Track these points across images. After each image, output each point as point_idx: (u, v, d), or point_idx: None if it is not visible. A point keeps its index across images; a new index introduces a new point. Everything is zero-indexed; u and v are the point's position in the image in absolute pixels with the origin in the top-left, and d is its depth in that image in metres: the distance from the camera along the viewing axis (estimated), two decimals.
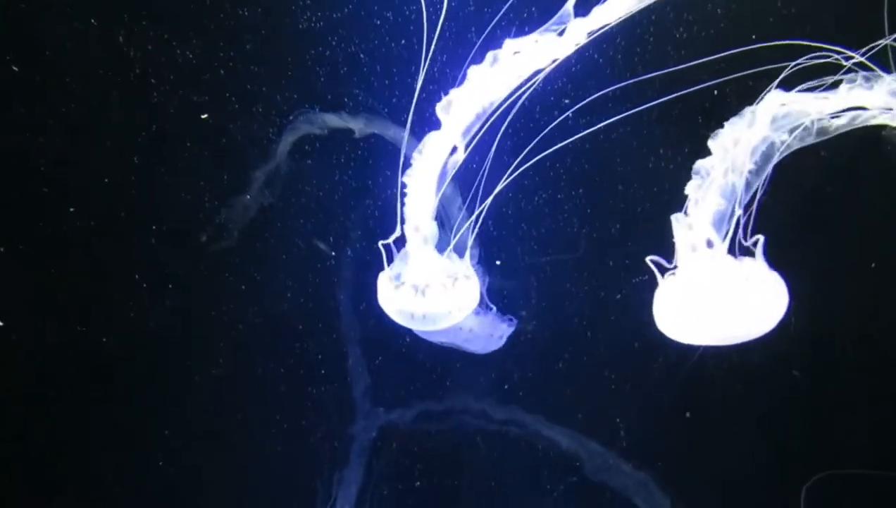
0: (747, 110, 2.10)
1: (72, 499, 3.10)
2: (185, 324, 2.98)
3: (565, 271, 2.84)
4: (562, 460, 3.04)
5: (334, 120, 2.70)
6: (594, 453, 3.02)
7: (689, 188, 2.11)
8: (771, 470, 2.95)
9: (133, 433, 3.03)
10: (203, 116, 2.68)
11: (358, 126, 2.70)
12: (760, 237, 2.09)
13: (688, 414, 2.85)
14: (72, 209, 2.78)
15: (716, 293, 2.09)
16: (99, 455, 3.05)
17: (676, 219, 2.13)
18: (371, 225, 2.78)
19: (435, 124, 2.31)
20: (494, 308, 2.72)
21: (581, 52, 2.30)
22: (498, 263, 2.77)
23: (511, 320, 2.78)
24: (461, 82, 2.27)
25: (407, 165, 2.37)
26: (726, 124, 2.11)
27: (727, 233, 2.09)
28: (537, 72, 2.27)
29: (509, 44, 2.19)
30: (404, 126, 2.43)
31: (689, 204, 2.10)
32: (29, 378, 2.98)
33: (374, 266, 2.52)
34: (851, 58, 2.05)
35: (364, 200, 2.79)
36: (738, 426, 2.92)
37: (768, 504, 2.96)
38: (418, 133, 2.41)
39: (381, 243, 2.39)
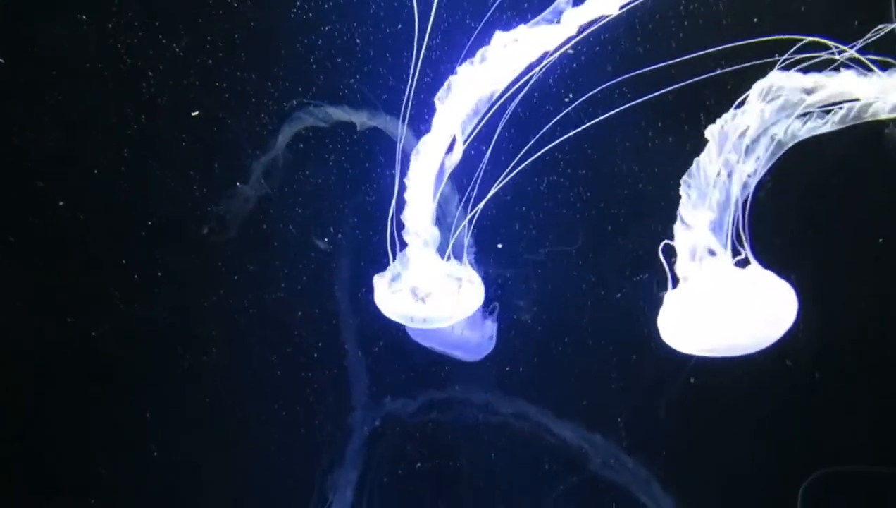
0: (744, 103, 2.04)
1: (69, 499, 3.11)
2: (183, 316, 2.95)
3: (565, 265, 2.82)
4: (563, 454, 3.04)
5: (338, 113, 2.66)
6: (595, 448, 3.02)
7: (684, 191, 2.06)
8: (770, 468, 2.95)
9: (130, 427, 3.02)
10: (194, 114, 2.64)
11: (360, 119, 2.66)
12: (745, 241, 2.04)
13: (692, 380, 2.81)
14: (61, 203, 2.75)
15: (722, 304, 2.04)
16: (94, 447, 3.05)
17: (678, 229, 2.08)
18: (369, 215, 2.74)
19: (433, 113, 2.26)
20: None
21: (582, 40, 2.24)
22: (500, 246, 2.75)
23: (495, 306, 2.75)
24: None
25: (404, 156, 2.34)
26: (718, 121, 2.06)
27: (727, 235, 2.05)
28: (535, 64, 2.22)
29: (500, 36, 2.13)
30: (403, 115, 2.38)
31: (686, 209, 2.06)
32: (22, 375, 2.97)
33: (373, 255, 2.51)
34: (845, 50, 1.99)
35: (363, 190, 2.76)
36: (738, 424, 2.91)
37: (767, 500, 2.97)
38: (417, 123, 2.39)
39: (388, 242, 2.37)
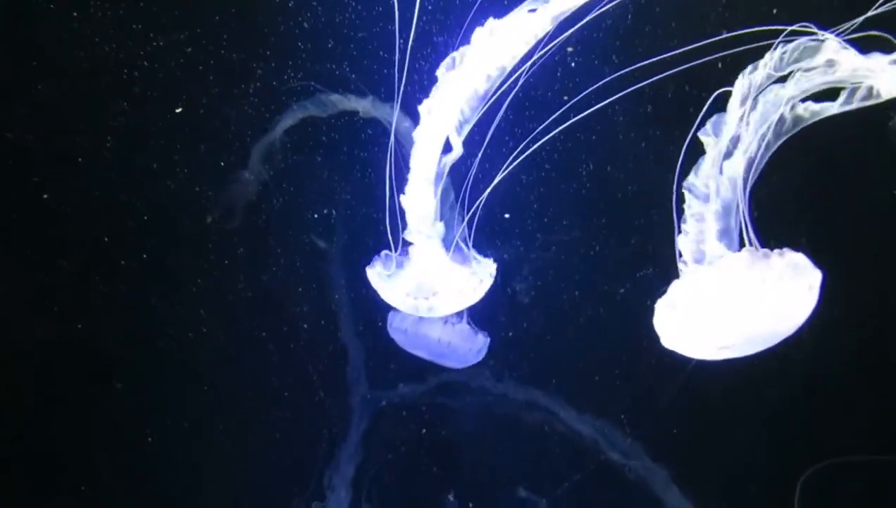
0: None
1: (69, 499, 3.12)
2: (182, 309, 2.94)
3: (568, 261, 2.80)
4: (569, 446, 3.04)
5: (342, 101, 2.63)
6: (598, 442, 3.02)
7: (687, 198, 2.01)
8: (770, 462, 2.94)
9: (130, 425, 3.03)
10: (178, 110, 2.62)
11: (364, 107, 2.62)
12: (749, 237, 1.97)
13: (694, 376, 2.75)
14: (45, 196, 2.73)
15: (736, 307, 1.97)
16: (94, 447, 3.06)
17: (682, 239, 2.02)
18: (368, 199, 2.69)
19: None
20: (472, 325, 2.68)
21: (578, 25, 2.19)
22: (507, 216, 2.72)
23: (487, 335, 2.73)
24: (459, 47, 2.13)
25: (400, 142, 2.31)
26: (710, 122, 2.00)
27: (734, 236, 1.98)
28: (530, 53, 2.16)
29: (483, 31, 2.07)
30: (400, 102, 2.33)
31: (689, 218, 2.00)
32: (22, 375, 2.97)
33: (372, 237, 2.49)
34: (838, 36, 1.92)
35: (358, 173, 2.74)
36: (740, 420, 2.90)
37: (768, 498, 2.95)
38: (414, 109, 2.29)
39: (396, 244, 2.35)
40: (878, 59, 1.84)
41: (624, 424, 2.99)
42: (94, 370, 2.96)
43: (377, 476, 3.16)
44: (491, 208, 2.49)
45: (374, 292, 2.45)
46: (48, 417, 2.98)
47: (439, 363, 2.79)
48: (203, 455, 3.08)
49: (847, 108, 1.90)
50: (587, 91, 2.35)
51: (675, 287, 2.05)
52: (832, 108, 1.92)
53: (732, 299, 1.97)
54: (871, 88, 1.87)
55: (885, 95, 1.87)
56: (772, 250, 1.96)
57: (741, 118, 1.95)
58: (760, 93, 1.95)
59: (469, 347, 2.69)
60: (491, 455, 3.16)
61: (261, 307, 2.94)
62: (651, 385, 2.89)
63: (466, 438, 3.15)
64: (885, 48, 1.87)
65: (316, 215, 2.81)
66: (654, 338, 2.25)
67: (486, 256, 2.43)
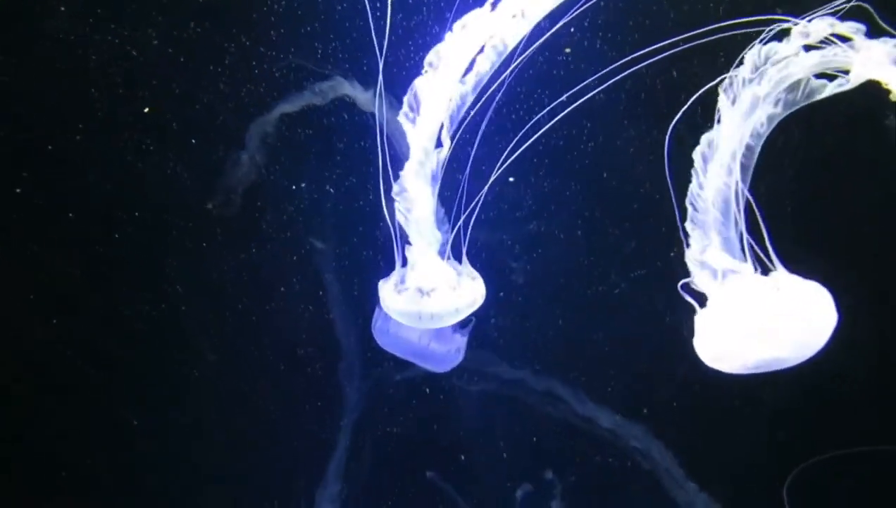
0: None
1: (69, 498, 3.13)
2: (176, 307, 2.94)
3: (565, 257, 2.81)
4: (564, 437, 3.06)
5: (342, 86, 2.63)
6: (593, 433, 3.03)
7: (689, 214, 2.01)
8: (770, 462, 2.94)
9: (129, 426, 3.03)
10: (146, 110, 2.62)
11: (364, 98, 2.63)
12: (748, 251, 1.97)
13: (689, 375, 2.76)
14: (17, 190, 2.74)
15: (757, 319, 1.97)
16: (93, 447, 3.06)
17: (689, 251, 2.02)
18: (361, 190, 2.74)
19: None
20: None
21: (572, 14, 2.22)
22: (511, 179, 2.69)
23: (470, 319, 2.70)
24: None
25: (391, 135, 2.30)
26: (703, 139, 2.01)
27: (740, 246, 1.98)
28: (523, 48, 2.16)
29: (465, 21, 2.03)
30: (385, 91, 2.30)
31: (693, 233, 2.01)
32: (22, 375, 2.98)
33: (369, 230, 2.59)
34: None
35: (355, 165, 2.73)
36: (741, 418, 2.90)
37: (768, 493, 2.94)
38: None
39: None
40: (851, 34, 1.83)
41: (619, 423, 2.99)
42: (93, 368, 2.96)
43: (375, 464, 3.16)
44: (490, 199, 2.50)
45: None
46: (48, 417, 2.99)
47: (421, 365, 2.79)
48: (203, 454, 3.08)
49: (820, 96, 1.90)
50: (582, 84, 2.35)
51: (699, 317, 2.05)
52: (799, 96, 1.92)
53: (755, 323, 1.98)
54: (845, 75, 1.87)
55: (855, 80, 1.87)
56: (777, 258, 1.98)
57: (730, 124, 1.96)
58: (744, 94, 1.95)
59: (448, 347, 2.68)
60: (492, 445, 3.16)
61: (254, 298, 2.93)
62: (651, 383, 2.90)
63: (466, 426, 3.15)
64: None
65: (311, 205, 2.81)
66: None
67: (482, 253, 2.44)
